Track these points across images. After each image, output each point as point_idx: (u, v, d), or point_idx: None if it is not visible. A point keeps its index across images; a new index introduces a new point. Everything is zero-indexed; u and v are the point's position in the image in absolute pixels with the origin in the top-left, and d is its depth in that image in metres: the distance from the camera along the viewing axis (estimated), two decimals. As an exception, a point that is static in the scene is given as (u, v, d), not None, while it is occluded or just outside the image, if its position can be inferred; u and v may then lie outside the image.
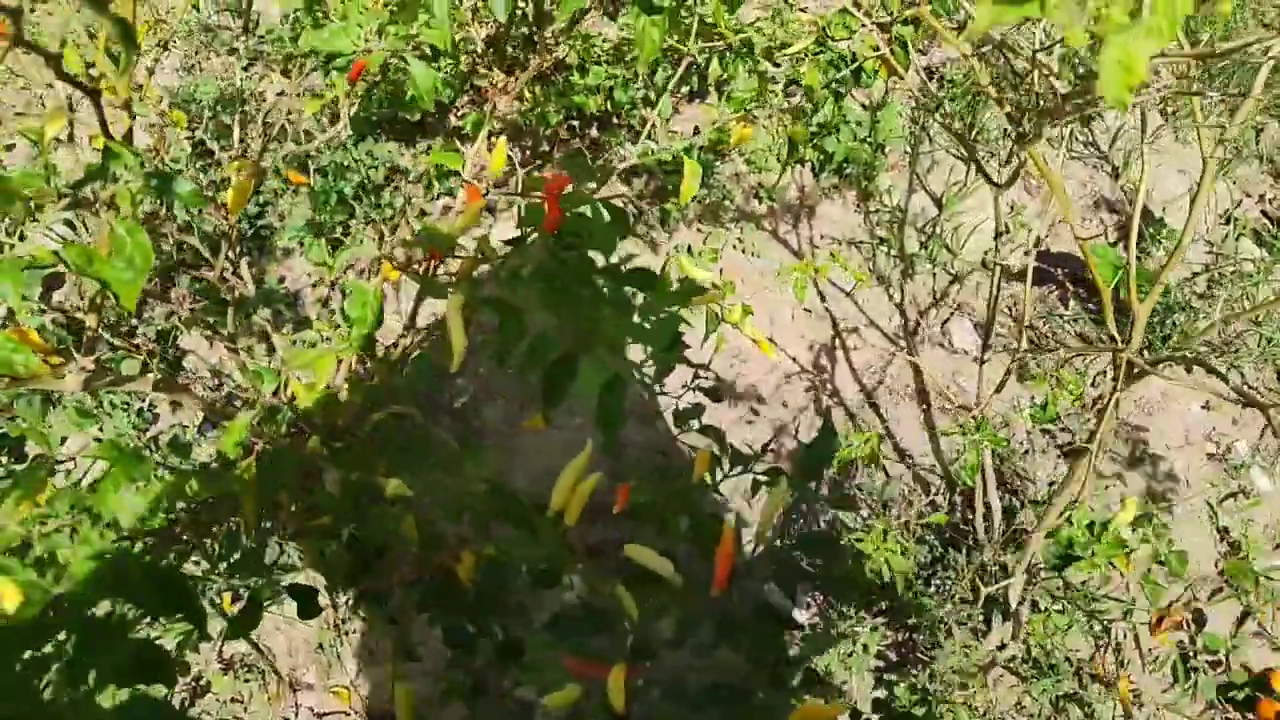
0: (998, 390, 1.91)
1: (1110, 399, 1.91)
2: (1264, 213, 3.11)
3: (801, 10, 2.85)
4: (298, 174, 1.90)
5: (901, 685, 2.27)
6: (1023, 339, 1.88)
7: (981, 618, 2.27)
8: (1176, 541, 2.55)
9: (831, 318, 2.94)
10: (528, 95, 2.54)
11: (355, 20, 1.09)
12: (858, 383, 2.82)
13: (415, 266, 1.24)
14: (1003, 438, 1.86)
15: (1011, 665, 2.28)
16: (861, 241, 3.06)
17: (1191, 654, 2.36)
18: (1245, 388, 2.79)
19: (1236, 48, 1.14)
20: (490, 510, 1.03)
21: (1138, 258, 2.91)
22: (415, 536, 1.07)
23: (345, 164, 2.52)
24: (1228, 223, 3.06)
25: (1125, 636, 2.34)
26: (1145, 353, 2.58)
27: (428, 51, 1.20)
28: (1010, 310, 2.93)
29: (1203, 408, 2.74)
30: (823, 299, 2.97)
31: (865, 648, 2.25)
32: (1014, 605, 2.17)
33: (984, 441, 1.86)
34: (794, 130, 2.64)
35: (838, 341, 2.90)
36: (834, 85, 2.77)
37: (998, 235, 1.86)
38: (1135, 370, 1.77)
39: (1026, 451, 2.66)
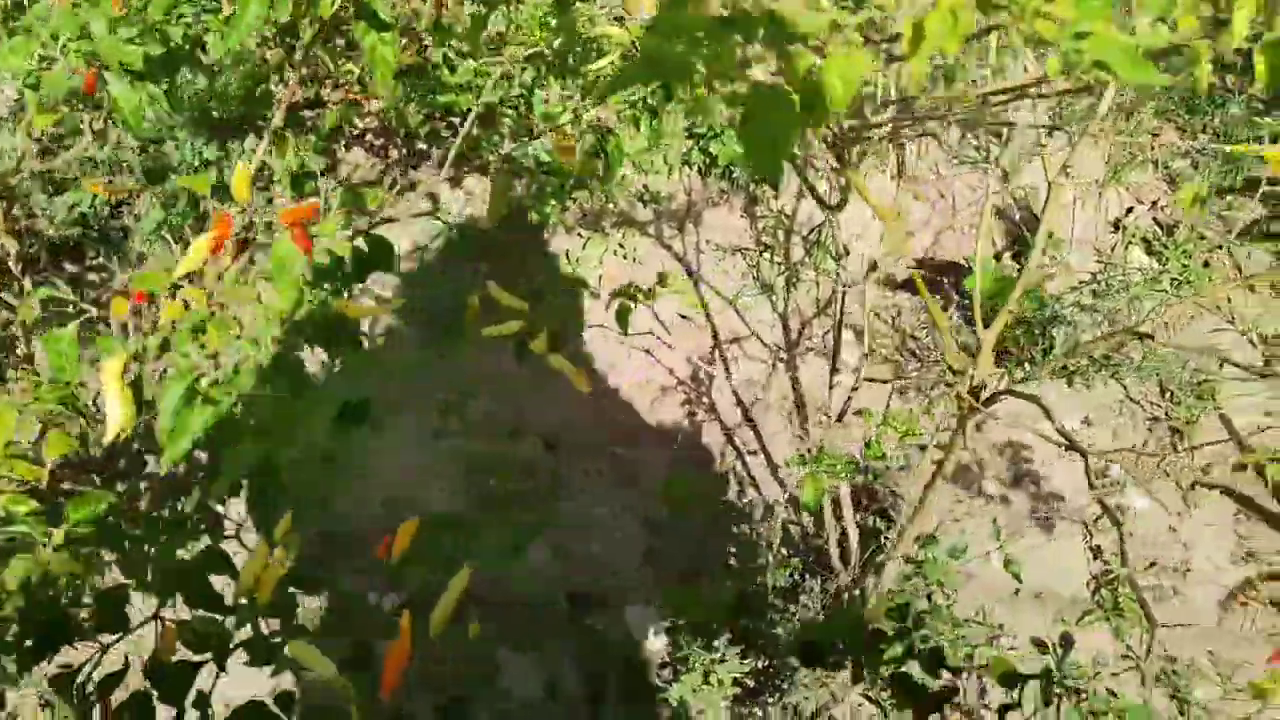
0: (839, 418, 1.83)
1: (955, 434, 1.84)
2: (1156, 220, 3.06)
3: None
4: (95, 184, 1.77)
5: (756, 715, 2.19)
6: (865, 361, 1.80)
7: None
8: (1050, 562, 2.50)
9: (712, 328, 2.84)
10: (384, 95, 2.41)
11: (39, 35, 0.97)
12: (736, 397, 2.73)
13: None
14: (847, 466, 1.78)
15: (870, 694, 2.21)
16: (747, 249, 2.97)
17: (1055, 679, 2.30)
18: (1130, 399, 2.75)
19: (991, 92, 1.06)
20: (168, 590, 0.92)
21: (1017, 271, 2.85)
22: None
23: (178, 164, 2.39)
24: (1117, 230, 3.01)
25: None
26: (1008, 374, 2.52)
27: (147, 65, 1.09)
28: (893, 321, 2.86)
29: (1083, 422, 2.69)
30: (705, 308, 2.88)
31: (720, 682, 2.17)
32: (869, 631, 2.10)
33: (824, 472, 1.78)
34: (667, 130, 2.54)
35: (717, 354, 2.81)
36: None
37: (838, 258, 1.78)
38: (976, 403, 1.70)
39: (903, 468, 2.59)
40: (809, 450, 1.79)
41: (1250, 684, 1.79)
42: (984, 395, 1.70)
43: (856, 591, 2.22)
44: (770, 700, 2.21)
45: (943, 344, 1.67)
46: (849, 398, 1.91)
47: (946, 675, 2.22)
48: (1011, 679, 1.78)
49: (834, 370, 1.93)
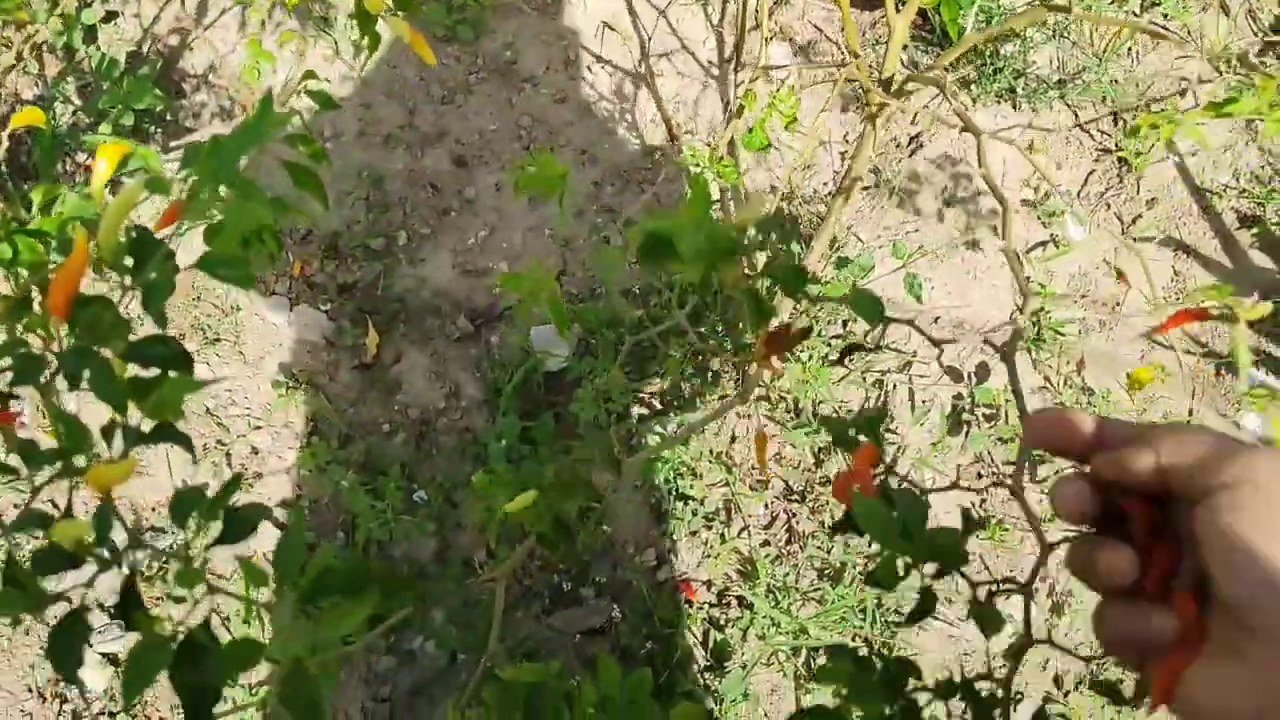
0: (736, 116, 1.67)
1: (862, 135, 1.69)
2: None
3: None
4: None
5: (656, 431, 2.16)
6: (760, 51, 1.62)
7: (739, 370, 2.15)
8: (978, 291, 2.42)
9: (640, 39, 2.62)
10: None
11: None
12: (663, 116, 2.55)
13: None
14: (735, 171, 1.64)
15: (773, 416, 2.18)
16: (682, -49, 2.69)
17: (967, 406, 2.27)
18: (1080, 126, 2.59)
19: None
20: None
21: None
22: None
23: None
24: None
25: (895, 388, 2.24)
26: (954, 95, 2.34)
27: None
28: (835, 37, 2.64)
29: (1027, 148, 2.53)
30: (632, 15, 2.64)
31: (614, 397, 2.12)
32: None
33: (716, 173, 1.64)
34: None
35: (645, 67, 2.60)
36: None
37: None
38: (887, 95, 1.54)
39: (832, 194, 2.46)
40: (701, 149, 1.65)
41: (1126, 375, 1.74)
42: (893, 87, 1.54)
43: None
44: (668, 418, 2.17)
45: (846, 33, 1.49)
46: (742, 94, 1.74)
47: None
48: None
49: (737, 68, 1.76)
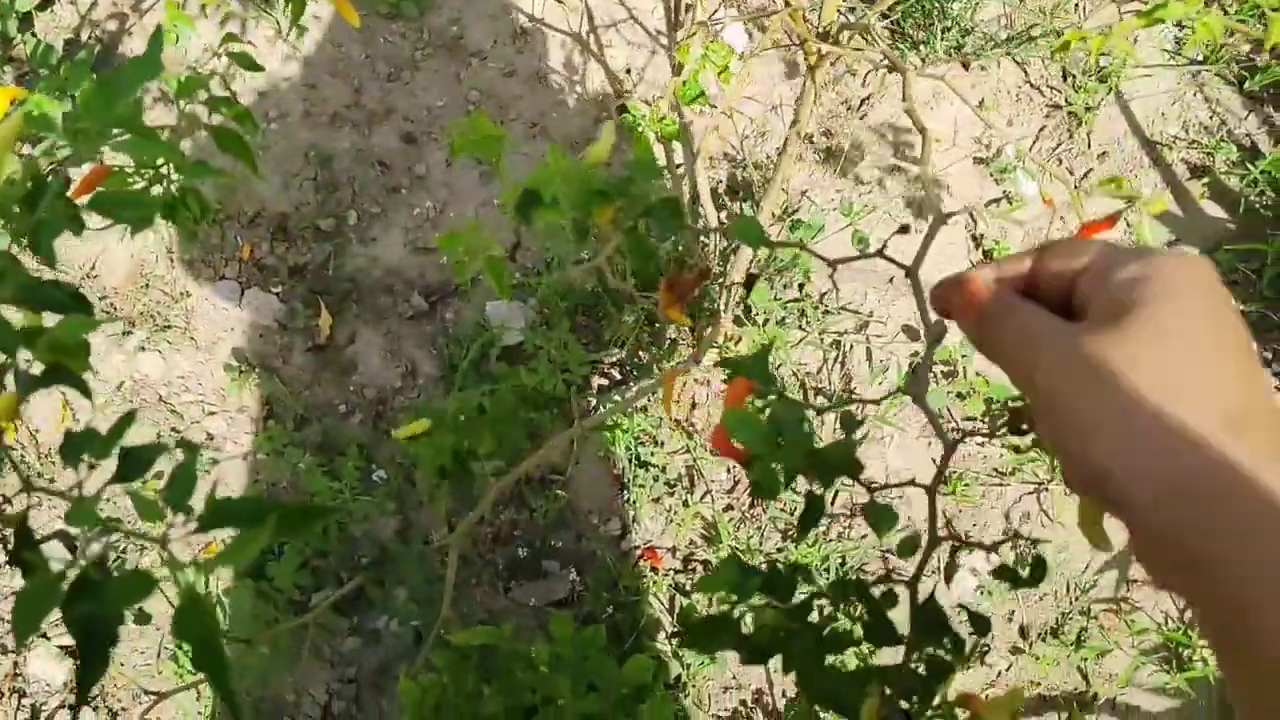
0: (676, 73, 1.65)
1: (804, 90, 1.68)
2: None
3: None
4: None
5: (614, 400, 2.15)
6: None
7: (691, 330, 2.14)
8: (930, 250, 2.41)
9: (586, 7, 2.60)
10: None
11: None
12: (610, 79, 2.53)
13: None
14: (671, 123, 1.63)
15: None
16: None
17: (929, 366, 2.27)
18: (1030, 84, 2.59)
19: None
20: None
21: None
22: None
23: None
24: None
25: (851, 349, 2.24)
26: (902, 56, 2.33)
27: None
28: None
29: (979, 104, 2.54)
30: (579, -12, 2.62)
31: (571, 368, 2.11)
32: (724, 319, 2.03)
33: (658, 132, 1.63)
34: None
35: (591, 37, 2.58)
36: None
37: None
38: (825, 44, 1.53)
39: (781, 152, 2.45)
40: (641, 107, 1.64)
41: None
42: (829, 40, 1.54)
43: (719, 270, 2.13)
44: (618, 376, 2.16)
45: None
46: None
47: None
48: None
49: (675, 26, 1.74)
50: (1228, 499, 0.38)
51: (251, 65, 1.16)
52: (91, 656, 0.61)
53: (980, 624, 0.58)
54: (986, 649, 2.07)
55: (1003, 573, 0.58)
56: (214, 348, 2.24)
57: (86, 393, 0.67)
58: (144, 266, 2.29)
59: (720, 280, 1.99)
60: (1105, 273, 0.44)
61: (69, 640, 1.98)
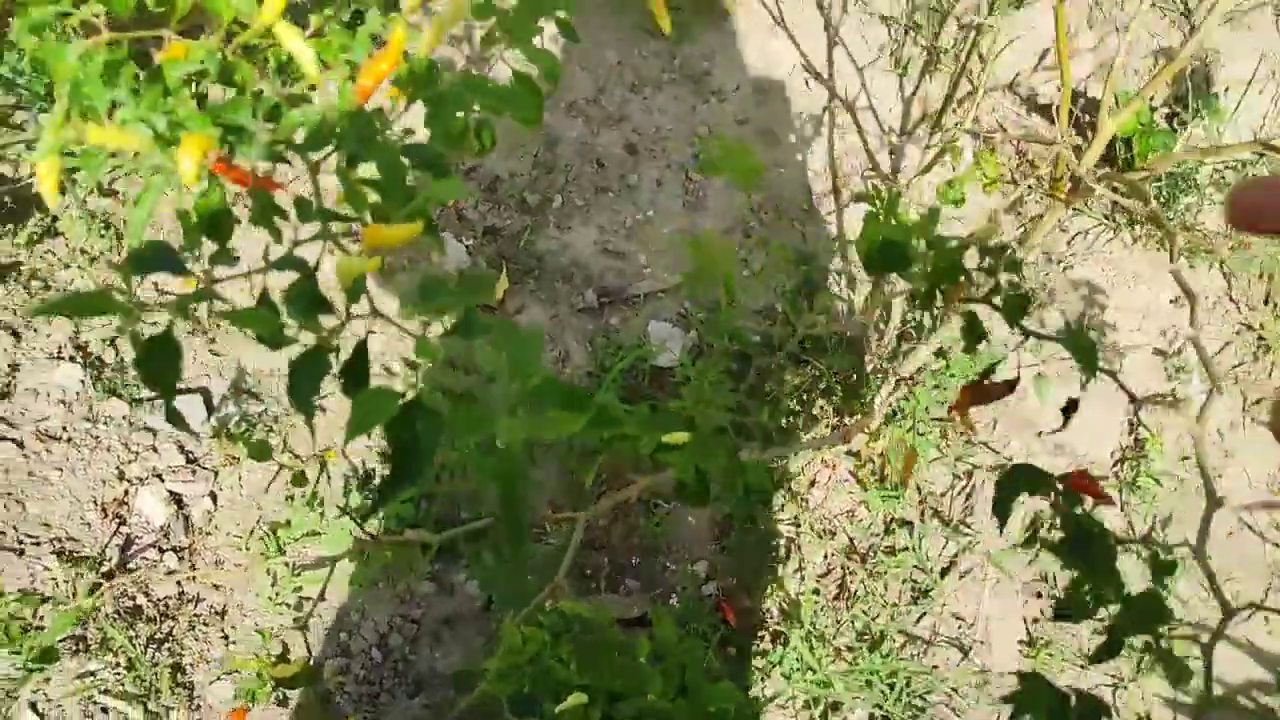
0: (924, 171, 1.71)
1: (1041, 221, 1.72)
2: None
3: None
4: None
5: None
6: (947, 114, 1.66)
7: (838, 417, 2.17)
8: (1089, 413, 2.41)
9: (830, 89, 2.69)
10: None
11: None
12: (831, 165, 2.60)
13: None
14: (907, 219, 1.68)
15: (857, 473, 2.19)
16: (893, 20, 2.77)
17: (1045, 523, 2.25)
18: (1230, 297, 2.58)
19: None
20: None
21: (1173, 129, 2.63)
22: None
23: None
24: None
25: (983, 485, 2.24)
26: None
27: None
28: (1016, 145, 2.67)
29: (1171, 302, 2.54)
30: (830, 64, 2.71)
31: (715, 407, 2.15)
32: (877, 411, 2.06)
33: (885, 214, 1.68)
34: None
35: (827, 115, 2.67)
36: None
37: (983, 58, 1.62)
38: (1072, 181, 1.57)
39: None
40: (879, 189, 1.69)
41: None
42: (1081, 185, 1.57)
43: (879, 368, 2.16)
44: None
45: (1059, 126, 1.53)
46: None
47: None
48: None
49: (935, 130, 1.80)
50: None
51: (571, 34, 1.24)
52: (401, 472, 0.67)
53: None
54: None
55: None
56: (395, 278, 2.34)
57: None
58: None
59: (889, 374, 2.02)
60: None
61: (178, 487, 2.08)
